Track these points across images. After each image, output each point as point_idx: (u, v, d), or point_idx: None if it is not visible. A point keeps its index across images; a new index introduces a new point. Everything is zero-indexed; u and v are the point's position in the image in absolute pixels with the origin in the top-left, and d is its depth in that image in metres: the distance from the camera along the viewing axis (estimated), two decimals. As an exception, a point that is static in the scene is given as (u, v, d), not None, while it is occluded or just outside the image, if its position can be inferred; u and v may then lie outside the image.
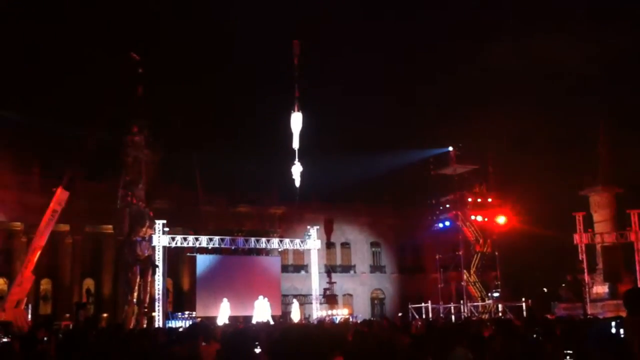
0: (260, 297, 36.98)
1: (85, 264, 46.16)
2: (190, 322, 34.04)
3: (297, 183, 33.31)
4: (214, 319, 34.86)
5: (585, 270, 38.55)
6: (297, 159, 32.42)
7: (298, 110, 31.86)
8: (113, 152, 37.47)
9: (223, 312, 35.87)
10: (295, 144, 31.95)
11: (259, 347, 8.26)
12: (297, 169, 32.69)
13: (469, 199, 44.43)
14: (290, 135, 32.08)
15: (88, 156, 33.89)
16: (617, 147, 42.08)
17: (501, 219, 44.10)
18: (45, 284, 45.73)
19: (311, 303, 43.07)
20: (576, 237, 38.73)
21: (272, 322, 30.45)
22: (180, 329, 23.03)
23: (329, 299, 47.05)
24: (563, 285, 42.69)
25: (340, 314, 43.14)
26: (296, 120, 31.81)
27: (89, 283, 46.85)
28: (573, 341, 8.81)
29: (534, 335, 8.87)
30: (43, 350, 12.70)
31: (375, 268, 57.14)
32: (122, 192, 34.20)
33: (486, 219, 43.83)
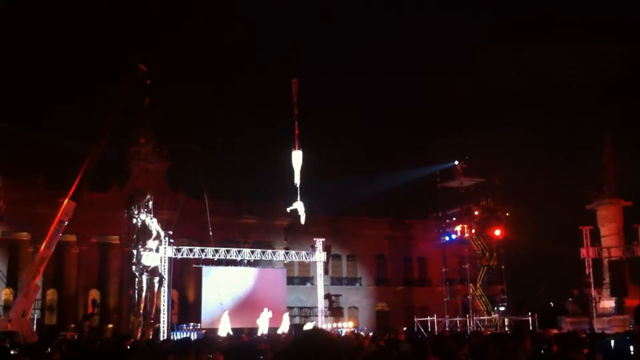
0: (265, 309, 36.94)
1: (91, 274, 46.19)
2: (195, 334, 34.04)
3: (302, 220, 33.22)
4: (218, 330, 34.86)
5: (592, 285, 38.33)
6: (299, 197, 32.17)
7: (298, 148, 31.47)
8: (119, 163, 37.59)
9: (224, 325, 35.83)
10: (297, 181, 31.64)
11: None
12: (299, 206, 32.53)
13: (476, 212, 44.31)
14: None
15: (95, 167, 33.97)
16: (624, 159, 41.91)
17: (508, 233, 43.95)
18: (51, 295, 45.78)
19: (317, 316, 42.93)
20: (583, 251, 38.51)
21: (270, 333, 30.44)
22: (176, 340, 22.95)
23: (335, 311, 46.90)
24: (570, 299, 42.46)
25: (346, 326, 43.00)
26: (297, 158, 31.37)
27: (94, 294, 46.85)
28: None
29: (542, 352, 8.82)
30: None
31: (381, 281, 57.00)
32: (128, 202, 34.22)
33: (497, 232, 43.71)
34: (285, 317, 38.95)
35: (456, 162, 44.70)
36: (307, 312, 48.71)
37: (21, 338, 27.87)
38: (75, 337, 33.49)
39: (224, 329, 34.93)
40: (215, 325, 36.82)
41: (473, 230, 43.78)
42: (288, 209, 33.65)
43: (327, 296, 45.46)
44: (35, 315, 37.79)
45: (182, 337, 32.57)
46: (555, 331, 25.57)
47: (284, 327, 36.81)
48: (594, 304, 37.70)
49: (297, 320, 47.57)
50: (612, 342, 13.05)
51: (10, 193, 38.43)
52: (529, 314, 40.12)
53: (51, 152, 42.20)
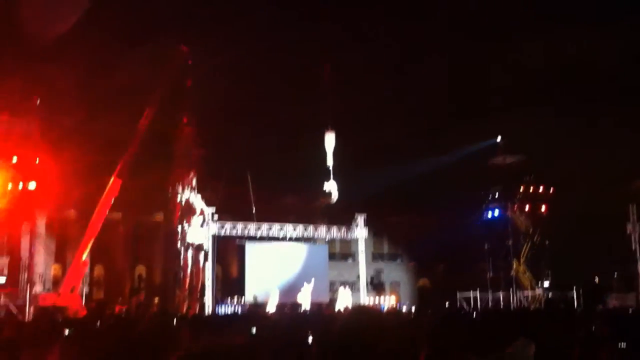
0: (305, 283, 37.27)
1: (137, 250, 47.10)
2: (240, 308, 34.63)
3: (334, 199, 33.72)
4: (262, 305, 35.37)
5: (638, 261, 37.80)
6: (331, 177, 32.60)
7: (331, 130, 31.92)
8: (164, 142, 38.10)
9: (272, 300, 36.25)
10: (330, 162, 32.08)
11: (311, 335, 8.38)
12: (332, 186, 32.96)
13: (521, 189, 43.90)
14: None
15: (140, 146, 34.56)
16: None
17: (551, 209, 43.48)
18: (98, 270, 46.82)
19: (358, 291, 43.15)
20: (629, 227, 37.99)
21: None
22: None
23: (376, 287, 47.11)
24: (615, 275, 41.92)
25: (388, 301, 43.17)
26: (330, 140, 31.84)
27: (140, 269, 47.81)
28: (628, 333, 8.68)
29: (593, 328, 8.80)
30: (97, 333, 13.03)
31: (422, 256, 56.80)
32: (173, 181, 34.77)
33: (542, 208, 43.29)
34: (341, 291, 39.23)
35: (499, 139, 44.29)
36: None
37: (71, 312, 28.71)
38: (123, 310, 34.29)
39: (272, 304, 35.39)
40: (258, 300, 37.38)
41: (516, 207, 43.42)
42: (325, 189, 34.04)
43: (371, 282, 45.93)
44: (84, 290, 38.75)
45: (227, 311, 33.24)
46: (600, 307, 25.38)
47: (345, 302, 36.92)
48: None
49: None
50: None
51: (57, 170, 39.33)
52: (574, 290, 39.76)
53: (98, 128, 42.83)
